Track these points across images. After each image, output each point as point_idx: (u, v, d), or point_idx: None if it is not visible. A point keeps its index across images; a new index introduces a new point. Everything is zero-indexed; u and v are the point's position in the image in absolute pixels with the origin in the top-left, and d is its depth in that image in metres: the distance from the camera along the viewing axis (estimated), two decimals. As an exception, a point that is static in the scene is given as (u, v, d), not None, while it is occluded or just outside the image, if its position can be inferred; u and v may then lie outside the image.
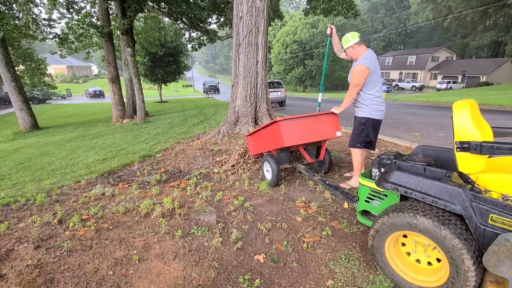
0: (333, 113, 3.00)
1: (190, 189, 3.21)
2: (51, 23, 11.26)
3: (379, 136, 5.78)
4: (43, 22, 10.88)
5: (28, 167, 5.09)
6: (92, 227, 2.44)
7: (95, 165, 4.63)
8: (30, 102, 15.56)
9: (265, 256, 2.03)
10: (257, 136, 3.46)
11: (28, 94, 12.85)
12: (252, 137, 3.62)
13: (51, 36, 11.24)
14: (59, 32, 11.62)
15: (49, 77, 14.49)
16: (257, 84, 5.70)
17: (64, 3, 10.43)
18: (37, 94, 18.75)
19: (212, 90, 32.93)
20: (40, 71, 12.62)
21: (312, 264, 1.95)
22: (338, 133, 3.00)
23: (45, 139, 9.06)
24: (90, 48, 11.80)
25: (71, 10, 10.86)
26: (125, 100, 12.49)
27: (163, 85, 22.24)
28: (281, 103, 14.24)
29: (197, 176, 3.70)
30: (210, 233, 2.35)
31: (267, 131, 3.12)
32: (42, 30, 10.80)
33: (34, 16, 9.56)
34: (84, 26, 10.38)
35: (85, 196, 3.18)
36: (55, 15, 11.40)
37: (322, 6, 12.26)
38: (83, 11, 11.05)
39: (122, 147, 6.05)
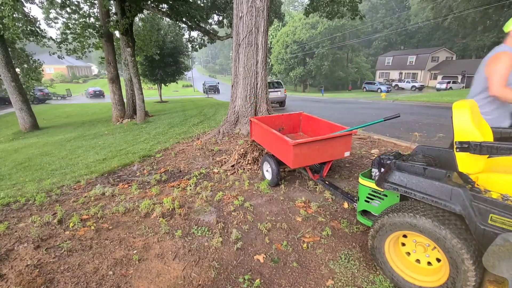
0: (349, 133, 2.84)
1: (190, 189, 3.21)
2: (35, 19, 11.09)
3: (378, 136, 5.81)
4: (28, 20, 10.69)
5: (28, 167, 5.09)
6: (92, 227, 2.44)
7: (95, 165, 4.63)
8: (30, 102, 15.56)
9: (265, 256, 2.04)
10: (263, 132, 3.32)
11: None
12: (257, 127, 3.47)
13: (31, 38, 11.03)
14: (57, 32, 11.62)
15: (48, 83, 14.27)
16: (257, 84, 5.70)
17: (59, 2, 10.33)
18: (31, 94, 18.60)
19: (212, 90, 32.92)
20: (35, 73, 12.55)
21: (312, 264, 1.95)
22: (347, 153, 2.92)
23: (45, 139, 9.06)
24: (87, 49, 11.78)
25: (68, 10, 10.81)
26: (125, 100, 12.50)
27: (163, 85, 22.25)
28: (281, 103, 14.24)
29: (197, 176, 3.70)
30: (210, 233, 2.35)
31: (277, 139, 2.94)
32: (24, 30, 10.60)
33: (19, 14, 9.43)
34: (81, 25, 10.38)
35: (85, 196, 3.18)
36: (51, 14, 11.33)
37: (326, 9, 12.27)
38: (81, 12, 11.01)
39: (122, 147, 6.06)
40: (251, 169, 3.81)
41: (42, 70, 13.23)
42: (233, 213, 2.67)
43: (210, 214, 2.66)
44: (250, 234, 2.32)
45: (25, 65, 11.85)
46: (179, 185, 3.39)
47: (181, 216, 2.62)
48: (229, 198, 2.99)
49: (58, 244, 2.23)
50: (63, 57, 12.45)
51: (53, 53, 12.23)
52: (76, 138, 8.56)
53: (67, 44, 11.61)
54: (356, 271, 1.86)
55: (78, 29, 10.82)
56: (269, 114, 6.05)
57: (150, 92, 34.00)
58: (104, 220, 2.60)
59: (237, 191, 3.17)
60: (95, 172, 4.12)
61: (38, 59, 13.04)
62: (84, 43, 11.54)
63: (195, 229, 2.39)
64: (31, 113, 11.63)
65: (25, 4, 10.70)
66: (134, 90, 10.58)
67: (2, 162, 5.89)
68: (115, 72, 11.82)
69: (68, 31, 11.14)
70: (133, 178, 3.84)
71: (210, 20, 14.96)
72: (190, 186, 3.29)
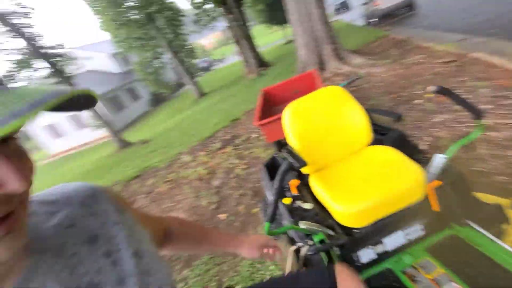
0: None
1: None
2: None
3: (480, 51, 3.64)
4: None
5: (179, 132, 7.89)
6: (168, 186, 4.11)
7: (204, 130, 6.41)
8: (200, 73, 20.90)
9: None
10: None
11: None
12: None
13: None
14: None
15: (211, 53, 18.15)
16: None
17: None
18: (196, 69, 23.00)
19: (342, 8, 27.78)
20: (191, 55, 16.81)
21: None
22: None
23: (203, 104, 12.63)
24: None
25: None
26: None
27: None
28: (408, 7, 10.40)
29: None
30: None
31: None
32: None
33: None
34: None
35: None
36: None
37: None
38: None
39: (227, 110, 7.58)
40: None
41: (193, 51, 17.40)
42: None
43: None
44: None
45: (183, 53, 16.21)
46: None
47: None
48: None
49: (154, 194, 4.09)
50: (200, 31, 15.63)
51: (193, 32, 15.71)
52: (219, 101, 11.18)
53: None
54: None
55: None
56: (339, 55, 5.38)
57: (275, 36, 34.19)
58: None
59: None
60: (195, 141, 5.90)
61: (189, 45, 17.10)
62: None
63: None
64: (197, 85, 16.13)
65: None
66: (246, 49, 12.02)
67: (173, 129, 9.35)
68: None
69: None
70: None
71: None
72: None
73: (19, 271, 0.37)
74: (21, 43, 8.73)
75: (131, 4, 12.78)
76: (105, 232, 0.46)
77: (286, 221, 1.49)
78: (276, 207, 1.19)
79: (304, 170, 1.66)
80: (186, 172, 4.30)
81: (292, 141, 1.64)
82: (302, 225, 1.34)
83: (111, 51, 20.28)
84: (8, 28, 8.31)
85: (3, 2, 10.99)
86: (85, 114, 11.46)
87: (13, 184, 0.30)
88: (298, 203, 1.55)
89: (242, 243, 0.85)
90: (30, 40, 8.78)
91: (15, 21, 8.49)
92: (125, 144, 10.86)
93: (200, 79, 19.58)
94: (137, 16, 12.99)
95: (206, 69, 28.01)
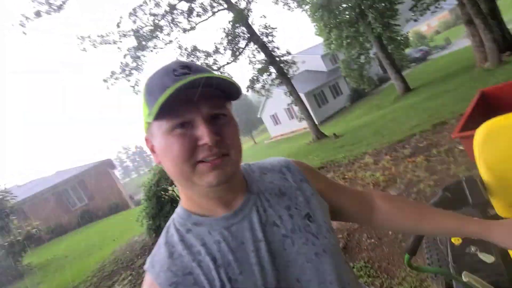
0: None
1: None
2: None
3: None
4: None
5: (370, 131, 7.66)
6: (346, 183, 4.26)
7: (400, 132, 5.74)
8: (413, 64, 18.23)
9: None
10: None
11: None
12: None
13: None
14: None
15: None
16: None
17: None
18: (407, 61, 18.94)
19: None
20: (405, 43, 14.92)
21: None
22: None
23: (406, 101, 11.16)
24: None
25: None
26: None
27: None
28: None
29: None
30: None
31: None
32: None
33: None
34: None
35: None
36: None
37: None
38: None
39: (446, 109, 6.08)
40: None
41: (405, 41, 15.33)
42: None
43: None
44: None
45: (392, 45, 14.83)
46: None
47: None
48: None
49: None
50: (417, 19, 13.41)
51: (409, 20, 13.77)
52: (426, 98, 9.46)
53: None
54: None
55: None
56: None
57: None
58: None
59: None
60: (387, 142, 5.50)
61: (405, 34, 15.18)
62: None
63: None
64: (402, 80, 14.39)
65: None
66: (481, 29, 8.91)
67: (365, 127, 9.14)
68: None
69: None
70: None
71: None
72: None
73: (240, 201, 0.57)
74: (263, 55, 12.01)
75: (345, 5, 13.47)
76: (289, 192, 0.61)
77: (449, 264, 1.24)
78: (418, 239, 1.03)
79: (498, 211, 1.26)
80: (364, 173, 4.25)
81: (482, 169, 1.28)
82: (467, 277, 1.07)
83: (321, 53, 22.66)
84: (256, 46, 11.72)
85: (255, 24, 14.96)
86: (296, 108, 13.74)
87: (205, 139, 0.46)
88: (473, 249, 1.21)
89: (493, 226, 0.61)
90: (269, 52, 11.84)
91: (263, 39, 11.78)
92: (320, 136, 12.09)
93: (410, 72, 17.21)
94: (348, 16, 13.51)
95: (421, 59, 23.80)
